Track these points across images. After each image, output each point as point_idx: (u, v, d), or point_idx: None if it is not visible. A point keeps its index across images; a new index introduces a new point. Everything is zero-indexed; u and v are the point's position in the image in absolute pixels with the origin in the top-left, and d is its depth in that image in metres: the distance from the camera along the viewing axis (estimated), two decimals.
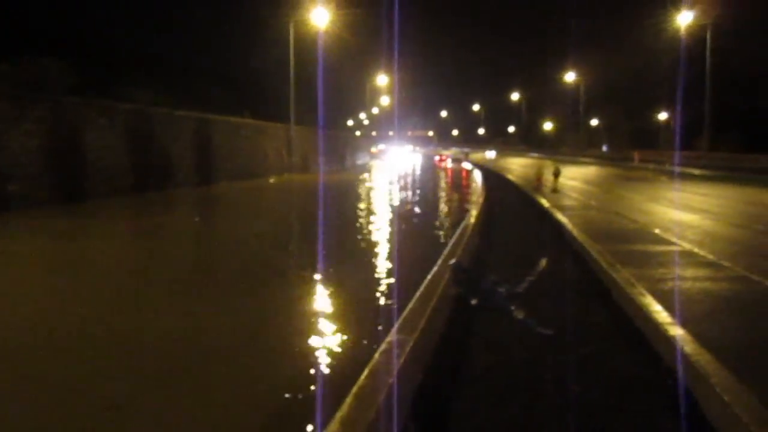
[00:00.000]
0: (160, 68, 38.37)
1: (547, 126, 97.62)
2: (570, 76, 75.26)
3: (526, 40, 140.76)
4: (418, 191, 36.43)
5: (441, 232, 18.33)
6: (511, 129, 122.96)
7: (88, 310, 9.65)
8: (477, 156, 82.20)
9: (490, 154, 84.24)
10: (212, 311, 9.62)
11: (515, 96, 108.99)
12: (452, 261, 7.88)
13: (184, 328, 8.73)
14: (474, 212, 15.57)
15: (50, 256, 14.86)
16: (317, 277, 11.96)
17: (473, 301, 7.24)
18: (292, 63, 43.28)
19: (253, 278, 12.22)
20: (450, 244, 10.55)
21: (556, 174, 25.75)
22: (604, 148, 78.20)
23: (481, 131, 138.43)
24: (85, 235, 17.72)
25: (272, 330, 8.70)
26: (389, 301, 9.77)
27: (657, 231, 13.43)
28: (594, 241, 11.14)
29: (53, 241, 16.79)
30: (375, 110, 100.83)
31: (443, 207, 27.73)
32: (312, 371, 7.00)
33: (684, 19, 42.47)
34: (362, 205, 27.65)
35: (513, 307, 6.94)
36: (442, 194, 35.81)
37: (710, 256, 10.24)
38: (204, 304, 10.09)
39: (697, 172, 38.68)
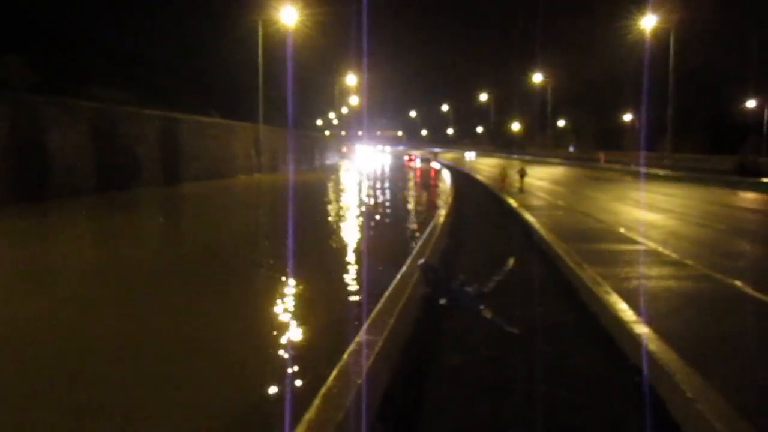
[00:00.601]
0: (127, 67, 37.73)
1: (516, 126, 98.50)
2: (538, 78, 76.08)
3: (495, 42, 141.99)
4: (387, 192, 36.46)
5: (409, 232, 18.36)
6: (480, 129, 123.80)
7: (26, 313, 9.43)
8: (447, 156, 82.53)
9: (470, 156, 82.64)
10: (169, 312, 9.47)
11: (484, 97, 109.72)
12: (421, 261, 7.89)
13: (138, 330, 8.58)
14: (442, 212, 15.63)
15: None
16: (284, 277, 11.87)
17: (442, 301, 7.25)
18: (260, 62, 42.94)
19: (214, 279, 12.06)
20: (418, 244, 10.56)
21: (522, 174, 26.00)
22: (571, 149, 79.23)
23: (450, 131, 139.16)
24: (37, 237, 17.28)
25: (237, 331, 8.59)
26: (358, 301, 9.73)
27: (622, 230, 13.65)
28: (561, 241, 11.27)
29: (3, 242, 16.35)
30: (344, 110, 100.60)
31: (412, 207, 27.78)
32: (280, 373, 6.93)
33: (648, 22, 43.25)
34: (331, 206, 27.56)
35: (481, 307, 6.97)
36: (411, 194, 35.90)
37: (674, 255, 10.44)
38: (162, 305, 9.93)
39: (661, 172, 39.44)
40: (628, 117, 67.88)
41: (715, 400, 4.14)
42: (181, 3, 41.73)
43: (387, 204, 28.26)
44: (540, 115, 78.34)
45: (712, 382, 4.46)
